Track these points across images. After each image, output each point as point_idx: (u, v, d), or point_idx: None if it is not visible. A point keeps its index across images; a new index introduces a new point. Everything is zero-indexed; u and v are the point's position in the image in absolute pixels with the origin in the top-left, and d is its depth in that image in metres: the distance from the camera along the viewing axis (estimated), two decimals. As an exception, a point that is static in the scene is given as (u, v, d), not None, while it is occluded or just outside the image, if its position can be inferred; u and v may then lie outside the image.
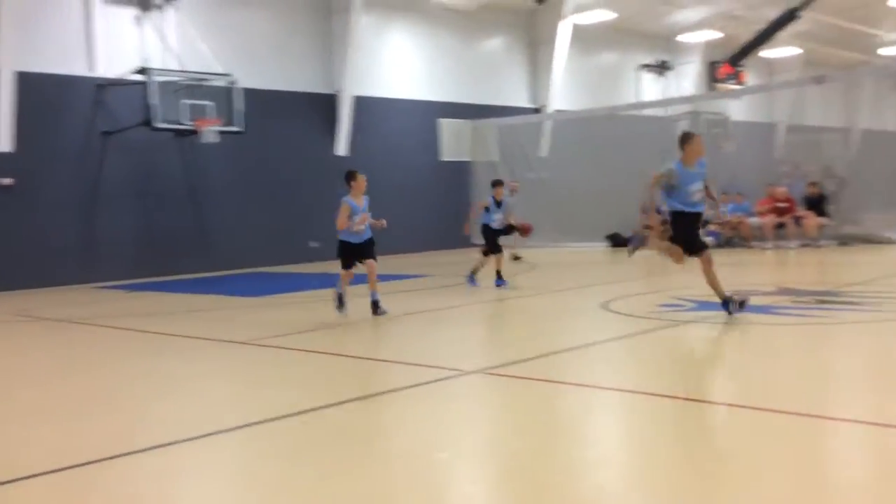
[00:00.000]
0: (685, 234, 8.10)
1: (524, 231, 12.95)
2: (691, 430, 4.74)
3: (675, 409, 5.17)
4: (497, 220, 12.33)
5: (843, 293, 9.85)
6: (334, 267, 10.01)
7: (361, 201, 9.48)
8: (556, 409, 5.36)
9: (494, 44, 23.21)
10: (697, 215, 8.18)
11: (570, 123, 22.82)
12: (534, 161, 22.18)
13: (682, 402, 5.33)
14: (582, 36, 23.85)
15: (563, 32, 23.09)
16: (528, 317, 9.92)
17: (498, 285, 11.86)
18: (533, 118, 23.12)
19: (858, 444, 4.41)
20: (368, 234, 9.51)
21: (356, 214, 9.35)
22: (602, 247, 19.86)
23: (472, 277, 12.29)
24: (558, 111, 23.36)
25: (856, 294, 9.69)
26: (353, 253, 9.46)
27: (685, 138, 8.18)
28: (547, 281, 13.69)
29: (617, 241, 20.22)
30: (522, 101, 23.66)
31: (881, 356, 6.56)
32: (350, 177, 9.51)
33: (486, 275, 12.25)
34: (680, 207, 8.06)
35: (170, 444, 4.75)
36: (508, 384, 6.07)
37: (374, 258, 9.46)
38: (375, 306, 9.48)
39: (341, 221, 9.32)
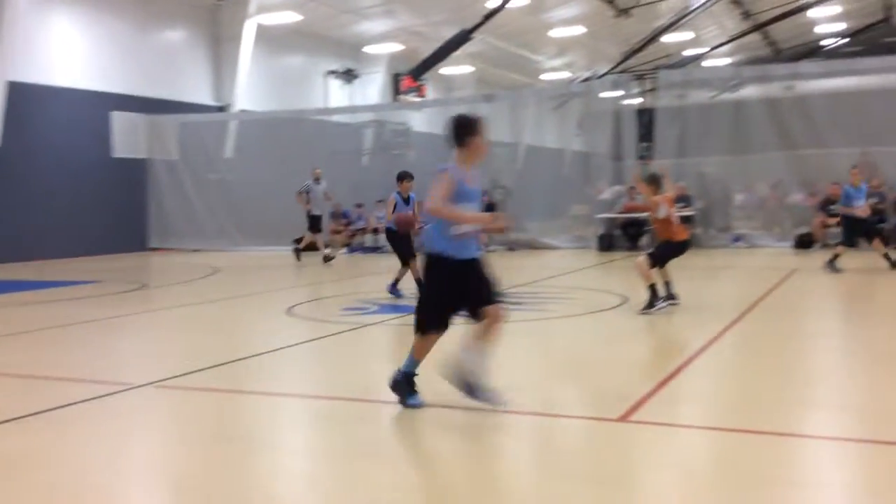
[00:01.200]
0: None
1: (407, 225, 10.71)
2: (370, 433, 4.70)
3: (355, 411, 5.11)
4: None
5: (511, 294, 10.63)
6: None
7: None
8: (231, 419, 5.05)
9: (174, 36, 21.93)
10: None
11: (257, 124, 22.31)
12: (217, 161, 21.34)
13: (360, 403, 5.30)
14: (269, 36, 23.44)
15: (249, 31, 22.50)
16: (206, 324, 9.37)
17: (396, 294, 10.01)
18: (217, 116, 22.23)
19: (525, 434, 4.67)
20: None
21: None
22: (289, 251, 19.63)
23: (394, 287, 10.20)
24: (244, 111, 22.70)
25: (521, 295, 10.49)
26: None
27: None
28: (230, 286, 13.16)
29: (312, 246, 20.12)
30: (205, 97, 22.63)
31: (544, 352, 7.11)
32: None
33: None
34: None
35: None
36: (182, 396, 5.61)
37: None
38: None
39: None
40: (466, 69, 29.17)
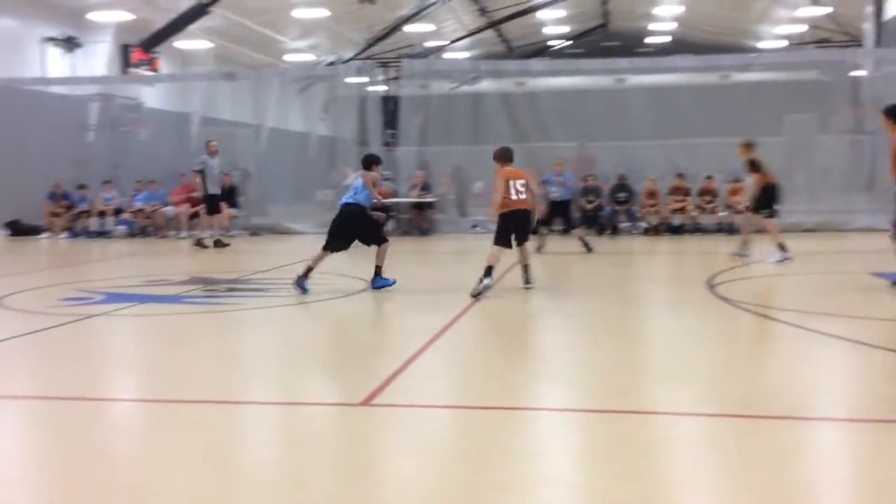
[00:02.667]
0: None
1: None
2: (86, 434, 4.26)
3: (82, 411, 4.61)
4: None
5: (252, 280, 10.27)
6: None
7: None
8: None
9: None
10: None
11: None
12: None
13: (79, 403, 4.80)
14: (-28, -5, 20.71)
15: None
16: None
17: (378, 286, 8.86)
18: None
19: (271, 424, 4.47)
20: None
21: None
22: (1, 235, 17.59)
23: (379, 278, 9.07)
24: (-59, 78, 19.89)
25: (263, 281, 10.18)
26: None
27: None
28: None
29: (18, 228, 18.11)
30: None
31: (287, 338, 6.91)
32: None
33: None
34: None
35: None
36: None
37: None
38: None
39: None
40: (204, 44, 27.79)
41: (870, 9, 29.70)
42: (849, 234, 15.44)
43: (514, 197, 8.70)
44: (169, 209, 18.04)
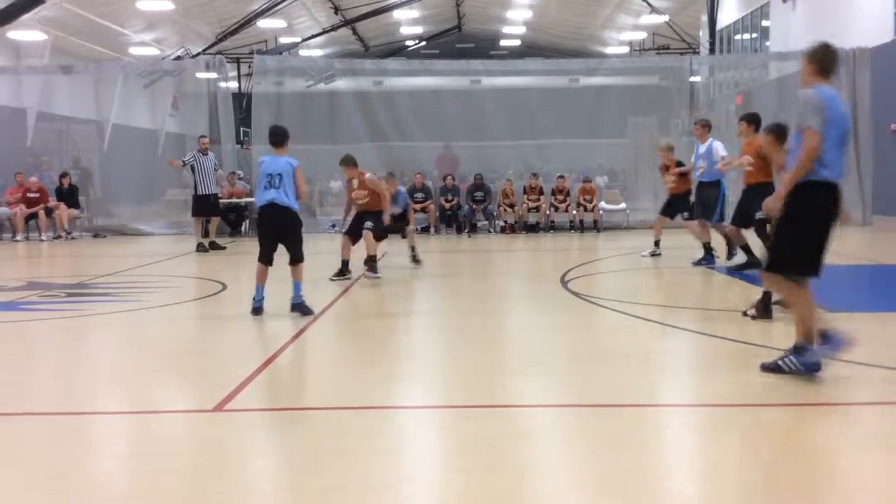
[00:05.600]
0: None
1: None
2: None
3: None
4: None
5: (95, 285, 9.72)
6: None
7: None
8: None
9: None
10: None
11: None
12: None
13: None
14: None
15: None
16: None
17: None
18: None
19: (118, 434, 4.23)
20: None
21: None
22: None
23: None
24: None
25: (107, 285, 9.66)
26: None
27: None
28: None
29: None
30: None
31: (134, 344, 6.57)
32: None
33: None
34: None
35: None
36: None
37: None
38: None
39: None
40: (39, 36, 26.06)
41: (704, 18, 31.74)
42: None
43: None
44: (3, 210, 16.81)
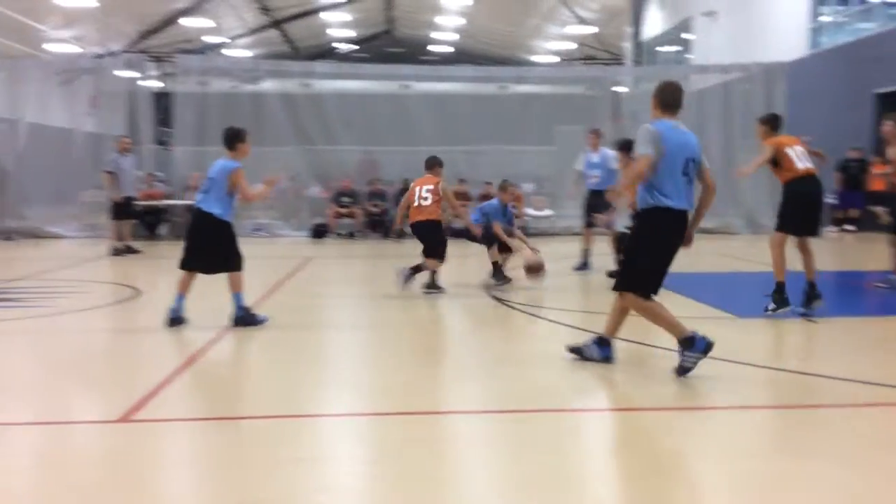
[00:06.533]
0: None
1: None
2: None
3: None
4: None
5: (3, 290, 9.29)
6: None
7: None
8: None
9: None
10: None
11: None
12: None
13: None
14: None
15: None
16: None
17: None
18: None
19: (18, 447, 4.01)
20: None
21: None
22: None
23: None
24: None
25: (16, 290, 9.25)
26: None
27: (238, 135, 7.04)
28: None
29: None
30: None
31: (39, 353, 6.28)
32: None
33: None
34: None
35: None
36: None
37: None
38: None
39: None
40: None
41: (629, 30, 32.44)
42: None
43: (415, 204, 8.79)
44: None
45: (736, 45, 23.99)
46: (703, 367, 5.06)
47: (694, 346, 5.00)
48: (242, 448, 3.96)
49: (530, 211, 17.69)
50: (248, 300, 7.10)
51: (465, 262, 11.63)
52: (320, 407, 4.79)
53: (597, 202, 10.39)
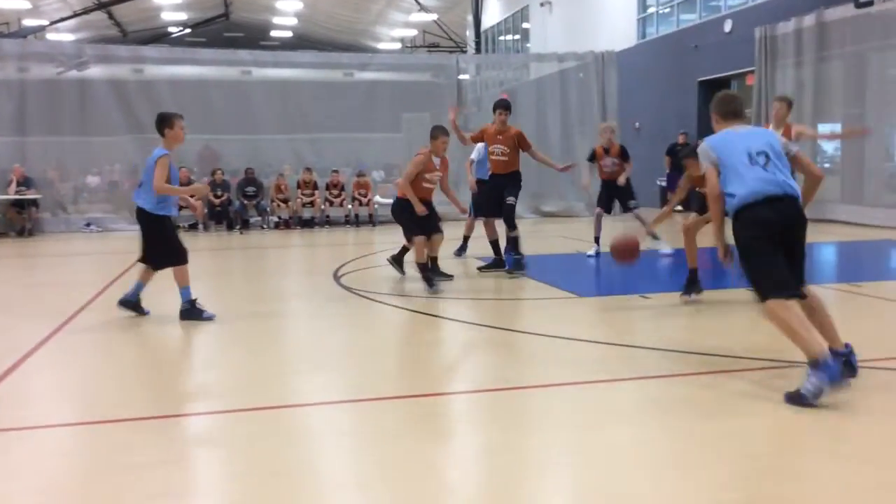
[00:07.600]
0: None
1: None
2: None
3: None
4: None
5: None
6: None
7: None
8: None
9: None
10: None
11: None
12: None
13: None
14: None
15: None
16: None
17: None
18: None
19: None
20: None
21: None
22: None
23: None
24: None
25: None
26: None
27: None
28: None
29: None
30: None
31: None
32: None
33: None
34: None
35: None
36: None
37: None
38: None
39: None
40: None
41: (470, 18, 32.96)
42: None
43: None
44: None
45: (570, 34, 24.91)
46: (543, 346, 5.16)
47: (820, 372, 4.09)
48: (77, 455, 3.68)
49: (378, 198, 17.62)
50: (81, 299, 6.64)
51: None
52: (170, 407, 4.53)
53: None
